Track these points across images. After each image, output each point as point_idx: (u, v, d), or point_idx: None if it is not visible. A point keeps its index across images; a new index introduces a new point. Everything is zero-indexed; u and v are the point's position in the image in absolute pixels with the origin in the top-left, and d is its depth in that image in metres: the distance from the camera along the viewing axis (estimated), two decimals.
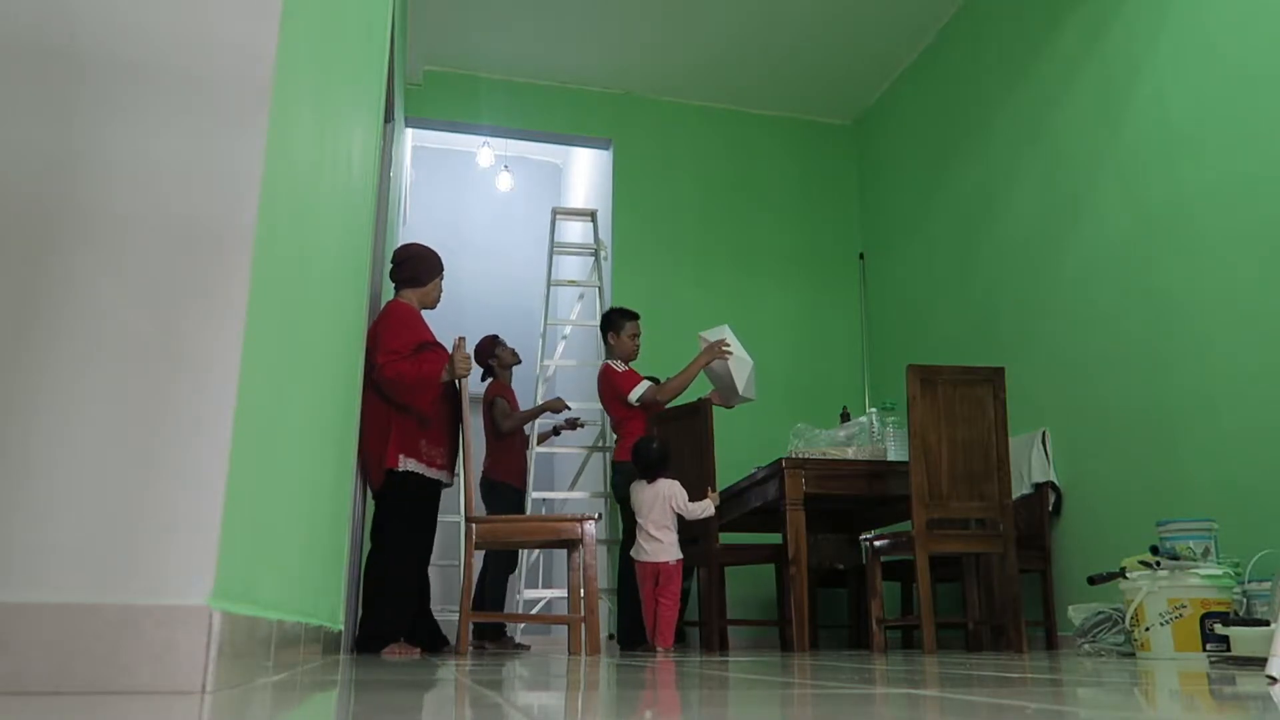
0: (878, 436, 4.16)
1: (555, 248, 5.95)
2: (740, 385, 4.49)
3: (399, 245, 4.00)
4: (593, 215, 5.95)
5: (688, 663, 2.48)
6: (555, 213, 5.97)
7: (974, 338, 5.20)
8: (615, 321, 4.69)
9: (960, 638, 4.88)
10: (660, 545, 3.84)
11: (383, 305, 3.83)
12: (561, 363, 5.88)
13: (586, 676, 1.76)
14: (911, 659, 2.79)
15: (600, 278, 5.87)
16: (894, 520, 4.69)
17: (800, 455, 3.98)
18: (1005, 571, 3.62)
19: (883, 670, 1.94)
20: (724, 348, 4.45)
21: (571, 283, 6.07)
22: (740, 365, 4.48)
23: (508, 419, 4.94)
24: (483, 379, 5.14)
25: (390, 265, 3.89)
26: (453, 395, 3.71)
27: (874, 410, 4.34)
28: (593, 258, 5.98)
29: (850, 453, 4.06)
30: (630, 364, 4.64)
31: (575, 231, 6.86)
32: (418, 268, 3.78)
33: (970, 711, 1.00)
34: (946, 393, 3.67)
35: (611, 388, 4.52)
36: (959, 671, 1.88)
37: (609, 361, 4.62)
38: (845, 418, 4.75)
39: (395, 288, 3.83)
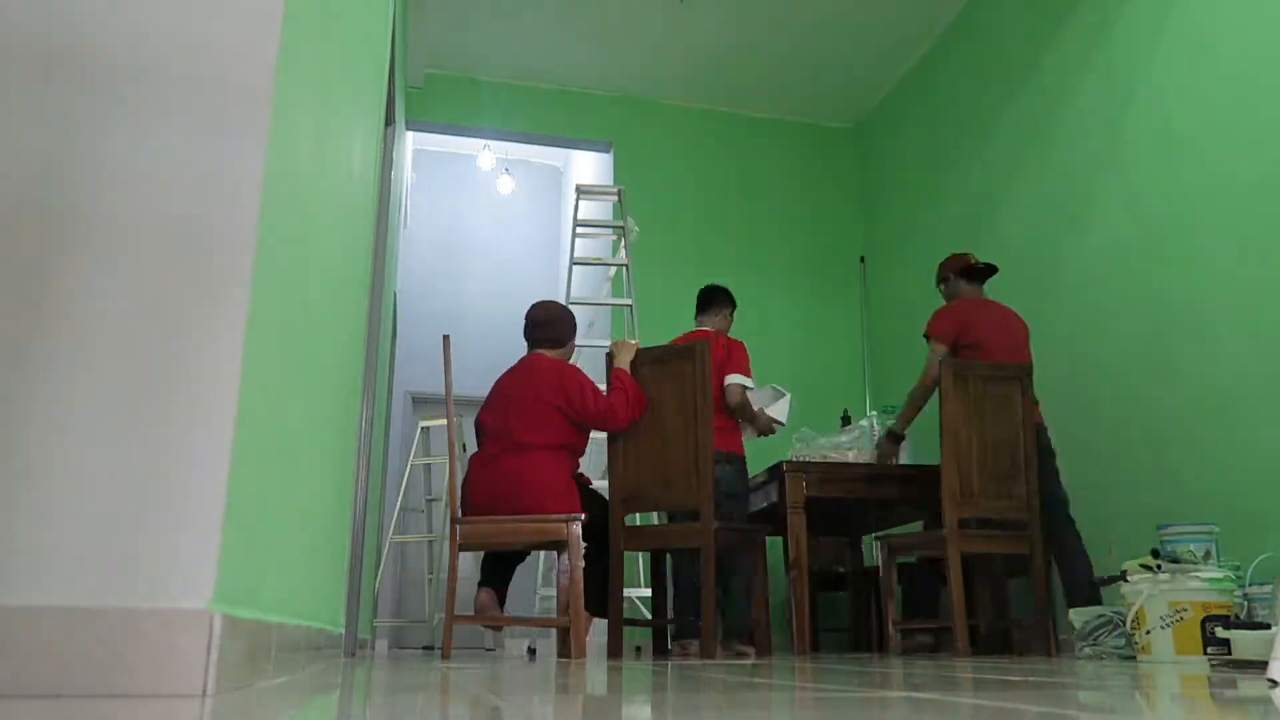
0: (878, 440, 4.15)
1: (578, 226, 5.70)
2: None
3: (536, 303, 3.83)
4: (619, 194, 5.67)
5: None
6: (579, 190, 5.71)
7: None
8: (733, 300, 4.38)
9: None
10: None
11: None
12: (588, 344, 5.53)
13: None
14: (922, 663, 2.79)
15: (627, 255, 5.49)
16: (894, 524, 4.69)
17: (801, 459, 3.98)
18: (1034, 573, 3.54)
19: (902, 674, 1.94)
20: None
21: (598, 261, 5.76)
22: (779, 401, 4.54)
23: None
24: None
25: (527, 324, 3.77)
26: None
27: (874, 413, 4.34)
28: (618, 236, 5.71)
29: (851, 456, 4.06)
30: None
31: (591, 211, 6.71)
32: (563, 331, 3.74)
33: (970, 713, 1.00)
34: (977, 389, 3.59)
35: (733, 362, 4.01)
36: (984, 675, 1.87)
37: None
38: (846, 421, 4.75)
39: (530, 345, 3.75)
